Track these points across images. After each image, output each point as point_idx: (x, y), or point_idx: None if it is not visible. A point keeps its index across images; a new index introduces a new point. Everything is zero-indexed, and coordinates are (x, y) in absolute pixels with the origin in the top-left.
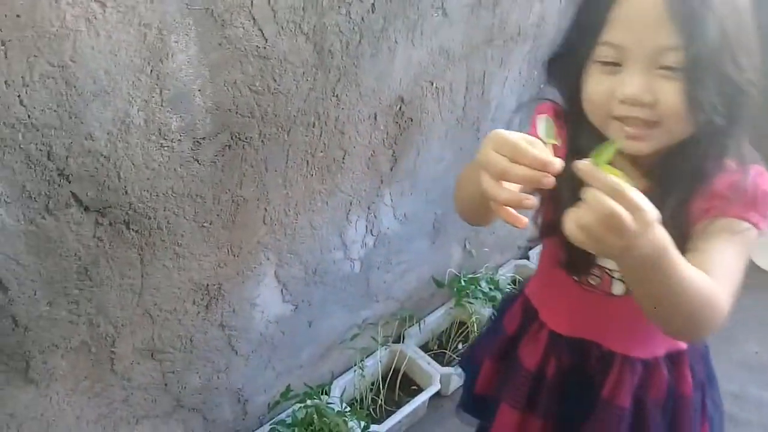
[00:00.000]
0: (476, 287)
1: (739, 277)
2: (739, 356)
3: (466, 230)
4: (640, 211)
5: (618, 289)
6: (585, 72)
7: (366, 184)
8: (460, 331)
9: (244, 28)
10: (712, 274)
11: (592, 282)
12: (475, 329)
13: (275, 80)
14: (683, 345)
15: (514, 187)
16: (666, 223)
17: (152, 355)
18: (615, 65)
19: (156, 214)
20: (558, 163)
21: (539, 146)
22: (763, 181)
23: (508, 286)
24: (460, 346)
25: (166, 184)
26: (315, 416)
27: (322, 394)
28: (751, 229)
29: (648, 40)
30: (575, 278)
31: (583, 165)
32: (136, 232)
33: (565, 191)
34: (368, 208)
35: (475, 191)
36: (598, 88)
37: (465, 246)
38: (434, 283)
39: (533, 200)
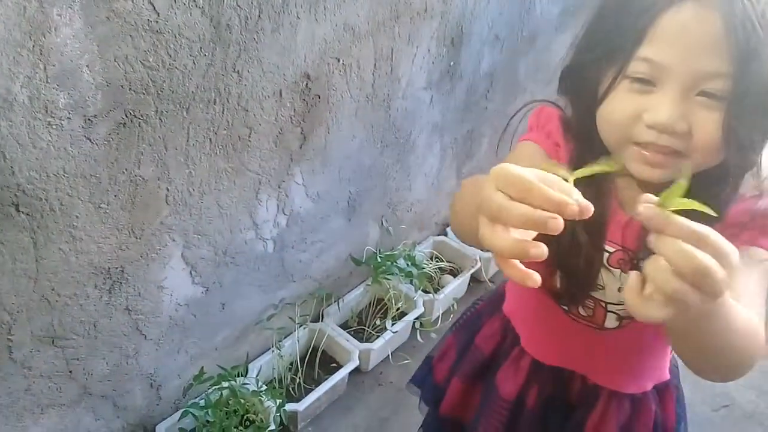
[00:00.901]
0: (393, 264)
1: (765, 307)
2: None
3: (382, 207)
4: (727, 258)
5: (611, 322)
6: (608, 86)
7: (275, 163)
8: (378, 307)
9: (133, 1)
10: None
11: (582, 313)
12: (393, 304)
13: (170, 55)
14: (667, 374)
15: (524, 234)
16: None
17: (53, 342)
18: (648, 83)
19: (47, 195)
20: (575, 203)
21: (556, 183)
22: None
23: (426, 263)
24: (378, 322)
25: (56, 164)
26: (230, 397)
27: (238, 375)
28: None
29: (694, 61)
30: (564, 308)
31: (648, 209)
32: (27, 214)
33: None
34: (279, 187)
35: (472, 213)
36: (622, 106)
37: (382, 223)
38: (352, 261)
39: (543, 249)
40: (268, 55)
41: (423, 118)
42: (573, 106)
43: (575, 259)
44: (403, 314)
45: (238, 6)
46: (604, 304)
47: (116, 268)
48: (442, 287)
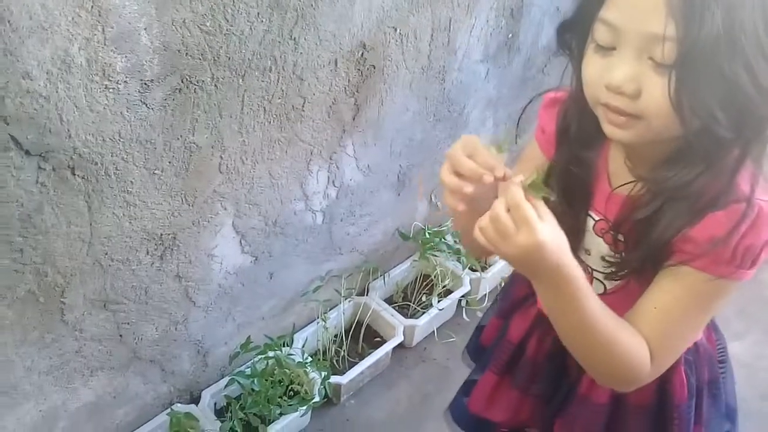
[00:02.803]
0: (441, 240)
1: (693, 332)
2: None
3: (432, 183)
4: (528, 226)
5: (597, 288)
6: (584, 47)
7: (327, 134)
8: (424, 283)
9: None
10: (649, 327)
11: None
12: (440, 282)
13: (227, 20)
14: None
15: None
16: (655, 238)
17: (105, 306)
18: (608, 45)
19: (103, 159)
20: (499, 171)
21: (491, 154)
22: (753, 231)
23: None
24: (424, 298)
25: (112, 128)
26: (276, 367)
27: (283, 345)
28: (726, 281)
29: (640, 23)
30: None
31: (510, 181)
32: (83, 178)
33: (554, 175)
34: (330, 159)
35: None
36: (590, 70)
37: (431, 199)
38: (399, 236)
39: (470, 188)
40: (325, 23)
41: (478, 92)
42: (572, 65)
43: (563, 219)
44: (449, 292)
45: None
46: (590, 270)
47: (168, 234)
48: (490, 266)
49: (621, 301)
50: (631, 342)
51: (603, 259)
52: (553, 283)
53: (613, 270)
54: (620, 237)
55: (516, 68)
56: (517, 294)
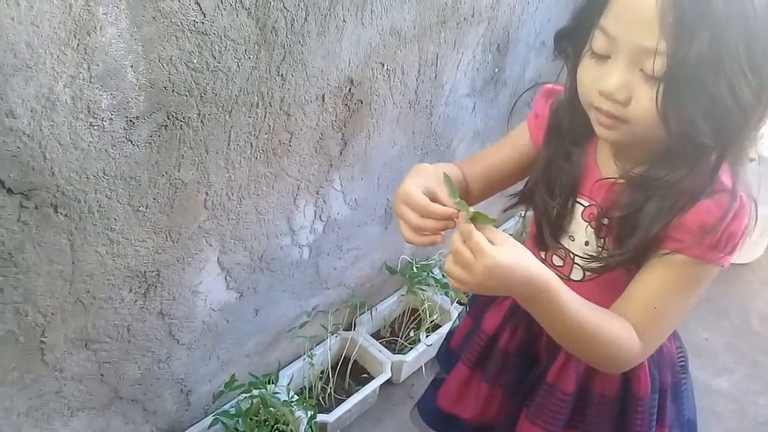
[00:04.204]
0: (429, 274)
1: (679, 315)
2: (689, 341)
3: None
4: (481, 252)
5: (576, 274)
6: (582, 53)
7: (314, 168)
8: (412, 318)
9: (179, 1)
10: (638, 311)
11: (555, 263)
12: (428, 316)
13: (215, 57)
14: None
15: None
16: (641, 235)
17: (86, 345)
18: (604, 53)
19: (87, 197)
20: (455, 216)
21: (443, 196)
22: (737, 220)
23: None
24: (412, 333)
25: (96, 165)
26: (261, 406)
27: (268, 383)
28: (710, 266)
29: (634, 36)
30: (542, 255)
31: (457, 214)
32: (66, 216)
33: (540, 164)
34: (317, 193)
35: None
36: (586, 75)
37: None
38: (387, 270)
39: (442, 237)
40: (312, 59)
41: (465, 126)
42: (568, 69)
43: (551, 204)
44: (437, 326)
45: (285, 8)
46: (572, 256)
47: (152, 271)
48: None
49: (600, 286)
50: (613, 327)
51: (586, 244)
52: (528, 297)
53: (601, 265)
54: (604, 221)
55: (502, 102)
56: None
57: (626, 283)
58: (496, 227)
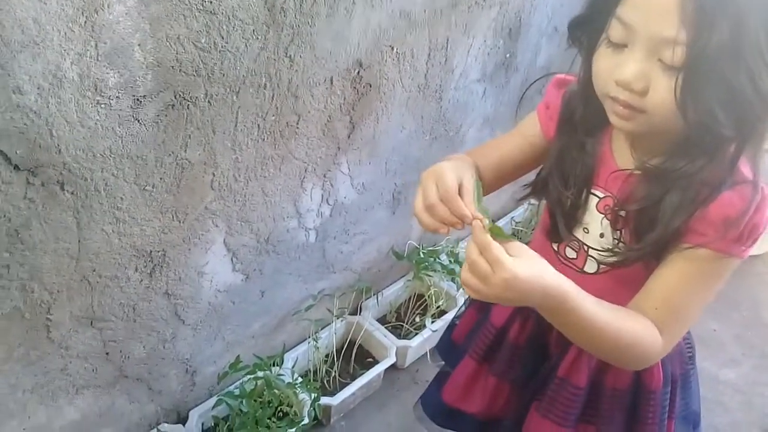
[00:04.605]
0: (436, 260)
1: (699, 310)
2: (698, 333)
3: None
4: (499, 264)
5: (590, 267)
6: (597, 42)
7: (322, 151)
8: (418, 303)
9: None
10: (659, 307)
11: (569, 255)
12: (434, 302)
13: (222, 37)
14: None
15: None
16: (660, 229)
17: (92, 323)
18: (621, 43)
19: (93, 175)
20: (469, 220)
21: (468, 196)
22: (759, 212)
23: None
24: (417, 319)
25: (103, 143)
26: (265, 388)
27: (273, 365)
28: (732, 259)
29: (653, 26)
30: (554, 247)
31: (475, 223)
32: (72, 193)
33: (552, 154)
34: (324, 176)
35: None
36: (601, 64)
37: None
38: (393, 255)
39: (447, 230)
40: (321, 41)
41: (475, 111)
42: (582, 58)
43: (565, 194)
44: (443, 312)
45: None
46: (586, 248)
47: (158, 251)
48: None
49: (614, 279)
50: (636, 327)
51: (602, 236)
52: (546, 307)
53: (619, 260)
54: (621, 213)
55: (513, 88)
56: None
57: (643, 276)
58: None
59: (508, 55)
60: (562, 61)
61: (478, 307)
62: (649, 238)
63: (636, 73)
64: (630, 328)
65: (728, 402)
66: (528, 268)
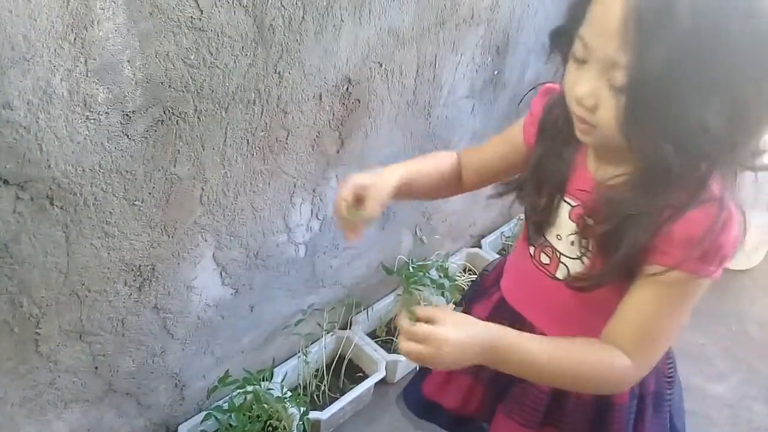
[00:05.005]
0: (425, 275)
1: (674, 332)
2: (685, 347)
3: (417, 217)
4: (427, 339)
5: (560, 273)
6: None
7: (311, 166)
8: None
9: None
10: (631, 332)
11: (543, 260)
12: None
13: (212, 54)
14: None
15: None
16: (624, 251)
17: (81, 337)
18: (581, 59)
19: (82, 190)
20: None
21: (350, 209)
22: (725, 231)
23: (458, 275)
24: None
25: (92, 158)
26: (254, 402)
27: (262, 380)
28: (701, 280)
29: (602, 46)
30: (531, 252)
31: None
32: (61, 208)
33: (531, 160)
34: (314, 191)
35: None
36: (566, 77)
37: (416, 233)
38: (383, 270)
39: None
40: (309, 58)
41: (463, 127)
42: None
43: (537, 200)
44: None
45: (283, 6)
46: (558, 255)
47: (147, 265)
48: None
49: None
50: (595, 357)
51: (572, 244)
52: (495, 360)
53: (587, 285)
54: (590, 222)
55: (502, 104)
56: (484, 284)
57: (607, 291)
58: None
59: (496, 72)
60: (550, 77)
61: (464, 309)
62: (614, 260)
63: (586, 90)
64: (588, 358)
65: (716, 416)
66: (461, 328)
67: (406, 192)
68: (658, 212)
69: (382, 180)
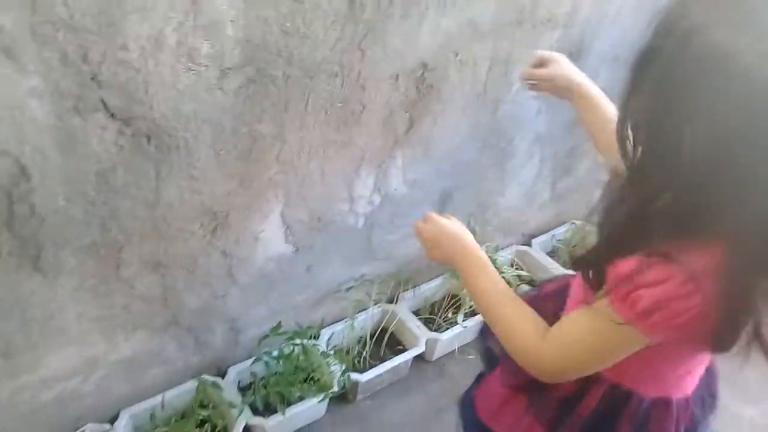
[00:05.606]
0: None
1: (587, 351)
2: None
3: (473, 206)
4: (431, 219)
5: None
6: None
7: (379, 143)
8: (452, 302)
9: None
10: (560, 323)
11: None
12: (467, 302)
13: (305, 24)
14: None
15: None
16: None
17: (156, 269)
18: None
19: (177, 133)
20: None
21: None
22: (650, 287)
23: (506, 268)
24: (450, 314)
25: (189, 106)
26: (301, 355)
27: (310, 337)
28: (623, 324)
29: None
30: None
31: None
32: (156, 147)
33: None
34: (379, 167)
35: None
36: None
37: (469, 222)
38: None
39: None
40: (392, 39)
41: (528, 126)
42: None
43: None
44: (475, 313)
45: None
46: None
47: (222, 212)
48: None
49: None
50: (520, 323)
51: None
52: (462, 265)
53: (574, 261)
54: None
55: (569, 110)
56: (545, 290)
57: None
58: None
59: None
60: (620, 89)
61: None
62: (597, 245)
63: None
64: (513, 318)
65: None
66: (456, 228)
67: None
68: (609, 233)
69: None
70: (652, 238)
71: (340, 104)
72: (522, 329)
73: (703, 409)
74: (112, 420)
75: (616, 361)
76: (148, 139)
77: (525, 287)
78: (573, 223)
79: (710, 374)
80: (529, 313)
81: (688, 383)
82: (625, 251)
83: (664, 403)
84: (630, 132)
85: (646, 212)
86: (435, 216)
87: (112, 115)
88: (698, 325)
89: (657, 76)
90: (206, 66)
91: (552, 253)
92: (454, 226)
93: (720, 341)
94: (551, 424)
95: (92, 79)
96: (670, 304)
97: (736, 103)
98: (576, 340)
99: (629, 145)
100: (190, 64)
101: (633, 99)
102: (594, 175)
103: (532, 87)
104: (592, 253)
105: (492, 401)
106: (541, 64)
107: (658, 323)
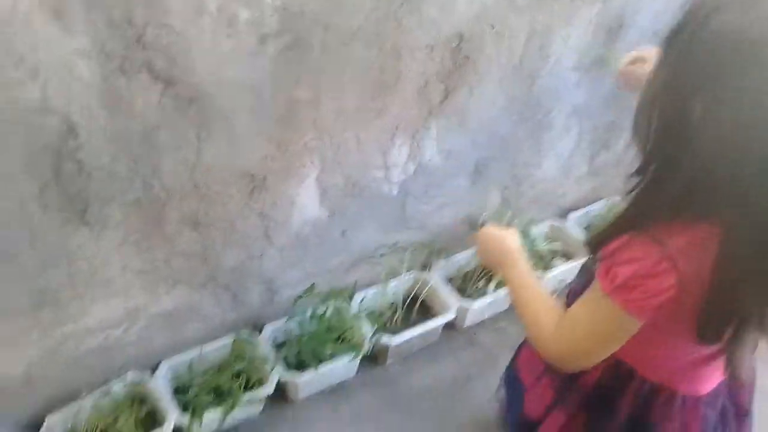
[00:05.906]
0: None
1: (587, 332)
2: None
3: (507, 178)
4: (483, 229)
5: None
6: None
7: (414, 112)
8: (484, 273)
9: None
10: (565, 315)
11: None
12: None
13: None
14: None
15: None
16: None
17: (196, 227)
18: None
19: (217, 97)
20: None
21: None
22: (627, 263)
23: (539, 241)
24: (481, 284)
25: (229, 72)
26: (334, 315)
27: (343, 300)
28: (606, 297)
29: None
30: None
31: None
32: (197, 110)
33: None
34: (413, 136)
35: None
36: None
37: (504, 193)
38: (468, 224)
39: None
40: (428, 9)
41: (565, 99)
42: None
43: None
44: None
45: None
46: None
47: (260, 175)
48: (551, 269)
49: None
50: (543, 314)
51: None
52: (500, 264)
53: (588, 237)
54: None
55: (607, 83)
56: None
57: None
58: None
59: (604, 51)
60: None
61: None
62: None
63: None
64: (537, 310)
65: None
66: (494, 233)
67: None
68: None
69: None
70: (651, 217)
71: (375, 72)
72: (538, 323)
73: (722, 415)
74: (153, 369)
75: (619, 346)
76: (190, 102)
77: (559, 261)
78: (609, 199)
79: (737, 384)
80: (550, 307)
81: (696, 380)
82: (622, 230)
83: (669, 393)
84: (649, 107)
85: (654, 190)
86: (489, 227)
87: (156, 77)
88: (677, 308)
89: (679, 50)
90: (246, 32)
91: (587, 228)
92: (501, 232)
93: (704, 331)
94: (560, 390)
95: (137, 41)
96: (645, 281)
97: (743, 72)
98: (576, 326)
99: (646, 124)
100: (229, 31)
101: (658, 72)
102: (633, 151)
103: (626, 84)
104: (599, 234)
105: (526, 352)
106: (637, 61)
107: (635, 300)
